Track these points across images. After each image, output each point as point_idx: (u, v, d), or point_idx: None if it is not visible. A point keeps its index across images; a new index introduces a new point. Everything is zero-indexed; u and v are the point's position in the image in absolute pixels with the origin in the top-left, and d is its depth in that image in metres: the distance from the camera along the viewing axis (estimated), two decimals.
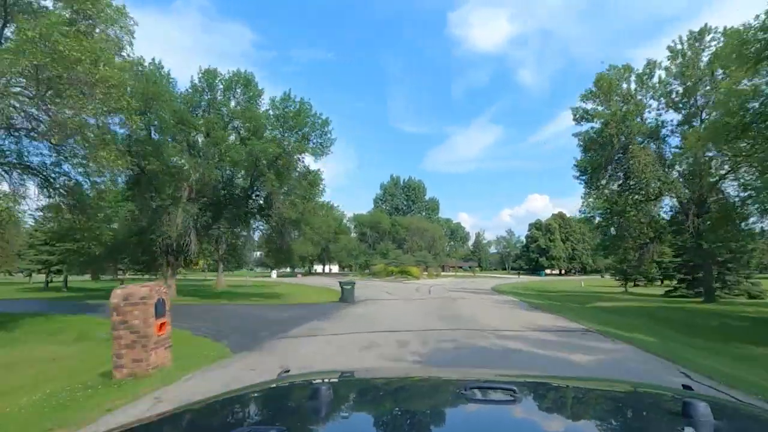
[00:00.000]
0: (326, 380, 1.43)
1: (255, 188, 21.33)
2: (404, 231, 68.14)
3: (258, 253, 73.93)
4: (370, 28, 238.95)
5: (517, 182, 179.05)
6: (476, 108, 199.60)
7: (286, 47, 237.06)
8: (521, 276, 73.57)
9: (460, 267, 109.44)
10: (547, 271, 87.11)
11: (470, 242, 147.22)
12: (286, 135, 19.68)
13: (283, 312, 14.49)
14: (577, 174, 21.22)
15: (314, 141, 20.55)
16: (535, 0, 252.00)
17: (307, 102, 19.85)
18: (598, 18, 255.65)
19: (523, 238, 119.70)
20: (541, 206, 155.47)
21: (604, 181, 20.04)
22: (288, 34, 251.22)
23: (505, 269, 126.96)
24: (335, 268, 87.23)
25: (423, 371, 3.00)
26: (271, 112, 20.00)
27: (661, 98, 18.86)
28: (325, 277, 58.73)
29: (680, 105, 18.71)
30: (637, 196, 19.16)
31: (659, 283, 37.96)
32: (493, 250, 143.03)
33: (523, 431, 0.98)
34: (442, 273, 67.55)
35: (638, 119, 18.48)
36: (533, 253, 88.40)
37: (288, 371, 1.69)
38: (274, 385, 1.47)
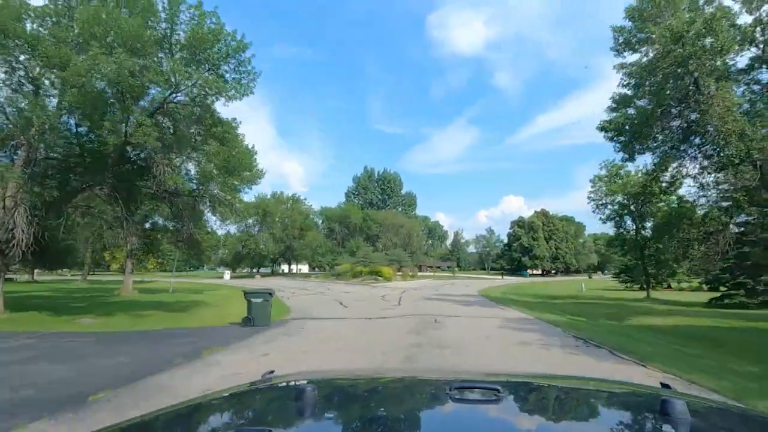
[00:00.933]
0: (311, 381, 1.43)
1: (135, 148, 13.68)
2: (377, 226, 61.15)
3: (222, 251, 65.22)
4: (349, 27, 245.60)
5: (493, 184, 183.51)
6: (454, 110, 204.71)
7: (262, 43, 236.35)
8: (504, 277, 67.78)
9: (438, 267, 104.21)
10: (530, 271, 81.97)
11: (448, 241, 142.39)
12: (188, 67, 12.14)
13: (106, 357, 7.22)
14: (612, 135, 14.63)
15: (229, 76, 13.23)
16: (512, 5, 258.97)
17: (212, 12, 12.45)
18: (571, 26, 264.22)
19: (503, 237, 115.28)
20: (516, 207, 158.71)
21: (657, 139, 13.44)
22: (264, 31, 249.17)
23: (484, 269, 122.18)
24: (305, 268, 79.60)
25: (409, 372, 2.78)
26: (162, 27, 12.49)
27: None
28: (287, 279, 51.03)
29: None
30: (705, 162, 12.88)
31: (685, 286, 32.05)
32: (471, 249, 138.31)
33: (507, 431, 1.00)
34: (419, 273, 60.83)
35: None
36: (515, 252, 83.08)
37: (272, 372, 1.68)
38: (258, 387, 1.46)
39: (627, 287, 35.34)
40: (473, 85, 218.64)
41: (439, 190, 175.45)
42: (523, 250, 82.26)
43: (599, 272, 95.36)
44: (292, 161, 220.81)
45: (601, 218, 26.54)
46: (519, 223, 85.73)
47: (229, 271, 56.18)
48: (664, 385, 1.40)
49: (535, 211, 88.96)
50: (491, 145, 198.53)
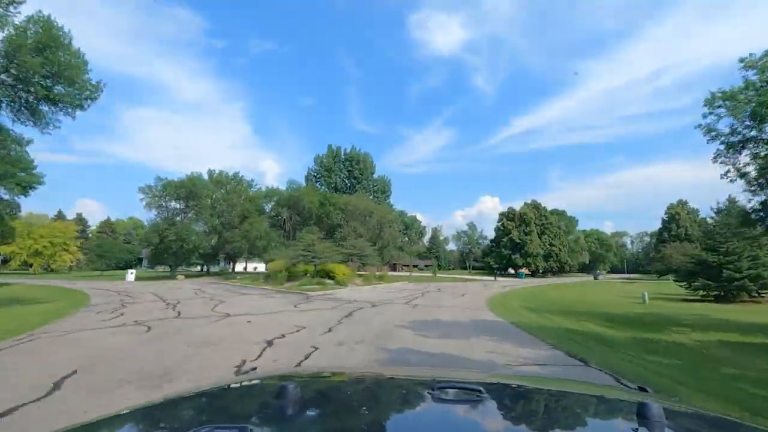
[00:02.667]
0: (293, 379, 1.43)
1: None
2: (339, 214, 47.59)
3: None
4: (328, 24, 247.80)
5: (469, 184, 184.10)
6: (431, 110, 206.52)
7: (238, 37, 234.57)
8: (497, 278, 55.46)
9: (415, 266, 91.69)
10: (523, 270, 70.32)
11: (426, 238, 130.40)
12: None
13: None
14: None
15: None
16: (488, 9, 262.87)
17: None
18: (545, 31, 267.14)
19: (486, 233, 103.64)
20: (492, 207, 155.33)
21: None
22: (240, 24, 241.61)
23: (465, 268, 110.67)
24: (261, 266, 65.06)
25: (392, 372, 2.39)
26: None
27: None
28: (201, 281, 36.81)
29: None
30: None
31: None
32: (451, 246, 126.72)
33: (487, 431, 1.01)
34: (391, 274, 47.60)
35: None
36: (505, 248, 71.21)
37: (255, 369, 2.01)
38: (239, 384, 1.45)
39: (702, 295, 23.29)
40: (450, 87, 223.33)
41: (416, 190, 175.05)
42: (514, 246, 70.49)
43: (601, 272, 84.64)
44: (268, 159, 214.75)
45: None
46: (509, 215, 73.92)
47: (134, 271, 41.36)
48: (642, 389, 1.46)
49: (526, 203, 77.41)
50: (467, 145, 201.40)
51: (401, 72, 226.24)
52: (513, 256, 69.87)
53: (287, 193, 49.95)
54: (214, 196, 48.19)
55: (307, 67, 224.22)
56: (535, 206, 76.19)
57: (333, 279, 28.75)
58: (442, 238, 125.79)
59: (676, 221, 67.84)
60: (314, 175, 63.99)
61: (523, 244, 69.56)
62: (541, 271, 71.57)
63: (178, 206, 48.45)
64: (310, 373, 1.71)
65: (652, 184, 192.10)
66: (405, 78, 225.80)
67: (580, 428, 1.12)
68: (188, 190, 45.39)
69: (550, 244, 72.81)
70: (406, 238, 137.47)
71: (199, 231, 47.15)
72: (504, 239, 71.55)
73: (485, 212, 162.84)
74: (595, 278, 58.16)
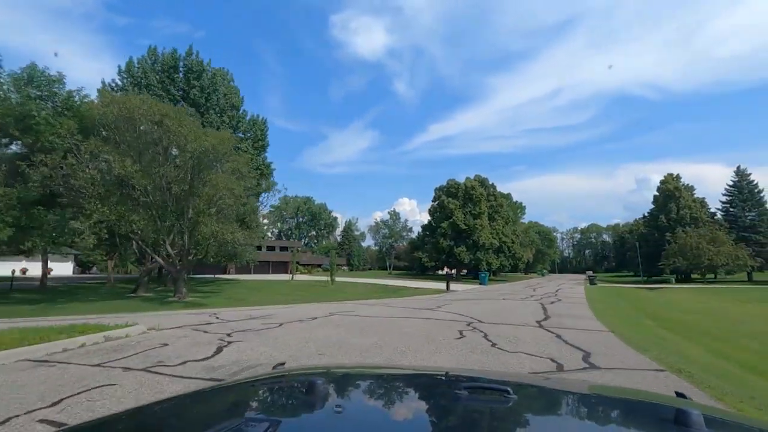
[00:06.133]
0: (322, 374, 1.44)
1: None
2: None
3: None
4: (248, 13, 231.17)
5: (387, 186, 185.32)
6: (353, 112, 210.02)
7: (145, 16, 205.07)
8: (450, 287, 31.08)
9: (319, 265, 66.50)
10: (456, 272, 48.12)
11: (339, 231, 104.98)
12: None
13: None
14: None
15: None
16: (409, 18, 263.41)
17: None
18: (461, 45, 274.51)
19: (411, 225, 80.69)
20: (409, 209, 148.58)
21: None
22: (148, 2, 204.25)
23: (385, 268, 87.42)
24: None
25: (419, 369, 2.62)
26: None
27: None
28: None
29: None
30: None
31: None
32: (369, 242, 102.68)
33: None
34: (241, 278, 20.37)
35: None
36: (445, 238, 48.30)
37: (283, 364, 1.70)
38: (268, 378, 1.47)
39: None
40: (372, 90, 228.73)
41: (335, 190, 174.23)
42: (458, 234, 47.87)
43: (594, 274, 66.10)
44: None
45: None
46: (450, 190, 51.21)
47: None
48: (680, 395, 1.37)
49: (468, 178, 55.39)
50: (388, 148, 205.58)
51: (324, 71, 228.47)
52: (456, 249, 47.12)
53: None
54: None
55: (223, 56, 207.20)
56: (481, 181, 54.64)
57: None
58: (357, 232, 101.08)
59: (676, 201, 51.71)
60: (115, 89, 33.92)
61: (471, 231, 47.20)
62: (493, 269, 49.84)
63: None
64: (339, 369, 1.75)
65: (550, 191, 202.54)
66: (328, 77, 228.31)
67: None
68: None
69: (502, 234, 51.73)
70: (313, 231, 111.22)
71: None
72: (443, 224, 48.54)
73: (403, 215, 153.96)
74: (592, 282, 37.60)
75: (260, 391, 1.35)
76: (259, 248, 70.58)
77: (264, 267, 64.43)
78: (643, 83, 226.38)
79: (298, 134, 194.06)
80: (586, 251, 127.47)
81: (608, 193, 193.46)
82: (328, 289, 26.64)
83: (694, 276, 46.31)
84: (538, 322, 10.05)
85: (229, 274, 56.90)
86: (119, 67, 34.72)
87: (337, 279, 40.99)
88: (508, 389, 1.06)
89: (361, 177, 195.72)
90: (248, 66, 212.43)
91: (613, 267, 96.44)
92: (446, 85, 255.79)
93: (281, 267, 65.61)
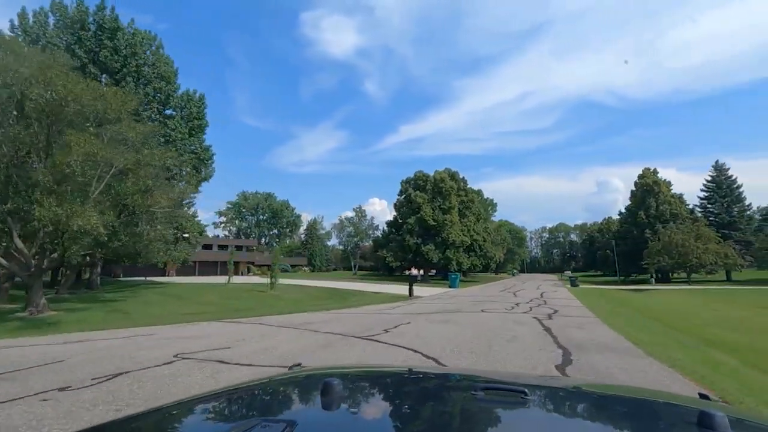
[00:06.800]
0: (337, 375, 1.42)
1: None
2: None
3: None
4: (215, 7, 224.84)
5: (358, 186, 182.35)
6: (323, 111, 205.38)
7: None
8: (412, 293, 26.31)
9: (267, 266, 60.00)
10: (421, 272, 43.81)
11: (303, 229, 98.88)
12: None
13: None
14: None
15: None
16: (380, 18, 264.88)
17: None
18: (431, 46, 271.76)
19: (377, 222, 76.18)
20: (380, 210, 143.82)
21: None
22: None
23: (350, 269, 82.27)
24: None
25: (435, 370, 2.65)
26: None
27: None
28: None
29: None
30: None
31: None
32: (333, 241, 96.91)
33: None
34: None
35: None
36: (411, 235, 43.74)
37: (299, 364, 1.67)
38: (285, 378, 1.46)
39: None
40: (343, 90, 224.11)
41: (304, 190, 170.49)
42: (426, 230, 43.49)
43: (575, 277, 63.16)
44: None
45: None
46: (418, 182, 46.78)
47: None
48: (703, 396, 1.34)
49: (438, 170, 51.13)
50: (358, 148, 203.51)
51: (293, 69, 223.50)
52: (424, 247, 42.68)
53: None
54: None
55: (188, 51, 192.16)
56: (451, 175, 50.47)
57: None
58: (323, 231, 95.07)
59: (655, 196, 48.68)
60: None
61: (441, 228, 42.89)
62: (464, 269, 45.78)
63: None
64: (354, 369, 1.69)
65: (517, 193, 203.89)
66: (298, 76, 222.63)
67: None
68: None
69: (474, 231, 47.77)
70: (274, 229, 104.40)
71: None
72: (409, 220, 43.98)
73: (374, 215, 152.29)
74: (573, 284, 33.94)
75: (277, 392, 1.36)
76: (210, 247, 63.79)
77: (211, 267, 57.74)
78: (605, 90, 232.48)
79: (267, 133, 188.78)
80: (554, 251, 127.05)
81: (571, 195, 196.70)
82: (263, 296, 21.35)
83: (673, 276, 44.06)
84: (557, 367, 5.41)
85: (168, 275, 50.01)
86: (11, 21, 27.77)
87: (288, 281, 35.51)
88: (525, 390, 1.03)
89: (333, 177, 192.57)
90: (215, 62, 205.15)
91: (581, 267, 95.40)
92: (417, 86, 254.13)
93: (235, 267, 58.99)
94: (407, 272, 55.69)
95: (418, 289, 23.56)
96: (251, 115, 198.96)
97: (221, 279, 36.83)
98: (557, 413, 1.17)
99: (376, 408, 1.16)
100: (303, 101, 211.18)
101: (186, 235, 31.43)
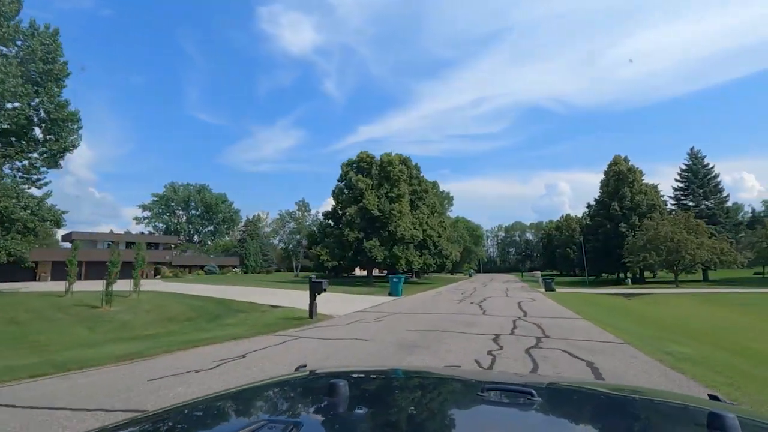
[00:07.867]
0: (343, 376, 1.41)
1: None
2: None
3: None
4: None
5: (315, 186, 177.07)
6: (280, 109, 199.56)
7: None
8: (354, 294, 18.35)
9: (202, 267, 51.06)
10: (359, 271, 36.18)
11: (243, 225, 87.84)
12: None
13: None
14: None
15: None
16: (339, 17, 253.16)
17: None
18: (390, 48, 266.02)
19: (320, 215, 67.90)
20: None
21: None
22: None
23: (292, 269, 73.09)
24: None
25: (441, 371, 2.46)
26: None
27: None
28: None
29: None
30: None
31: None
32: (276, 240, 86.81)
33: None
34: None
35: None
36: (351, 228, 35.78)
37: (305, 366, 1.67)
38: (291, 379, 1.46)
39: None
40: (301, 88, 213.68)
41: (260, 189, 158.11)
42: (370, 222, 35.73)
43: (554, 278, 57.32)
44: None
45: None
46: (362, 164, 38.93)
47: None
48: (713, 397, 1.33)
49: (386, 153, 43.47)
50: (316, 147, 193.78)
51: (248, 65, 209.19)
52: (367, 243, 34.86)
53: None
54: None
55: (136, 41, 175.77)
56: (403, 160, 43.06)
57: None
58: (268, 229, 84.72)
59: (629, 185, 43.04)
60: None
61: (387, 219, 35.31)
62: (415, 270, 38.48)
63: None
64: (360, 371, 1.64)
65: (471, 195, 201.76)
66: (253, 71, 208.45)
67: None
68: None
69: (427, 225, 40.75)
70: (210, 226, 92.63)
71: None
72: (349, 210, 36.02)
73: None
74: (549, 288, 27.47)
75: (283, 393, 1.36)
76: (111, 244, 52.42)
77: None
78: (554, 98, 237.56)
79: (220, 129, 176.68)
80: (511, 250, 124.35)
81: (522, 198, 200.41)
82: (78, 319, 12.60)
83: (648, 276, 39.52)
84: None
85: (39, 280, 38.81)
86: None
87: (177, 288, 26.41)
88: (532, 391, 1.03)
89: (289, 176, 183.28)
90: (166, 54, 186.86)
91: (538, 266, 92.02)
92: (375, 87, 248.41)
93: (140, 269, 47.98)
94: (360, 272, 47.72)
95: (347, 298, 15.64)
96: (203, 110, 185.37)
97: (122, 284, 26.79)
98: (566, 414, 1.14)
99: (383, 409, 1.14)
100: (259, 98, 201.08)
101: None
